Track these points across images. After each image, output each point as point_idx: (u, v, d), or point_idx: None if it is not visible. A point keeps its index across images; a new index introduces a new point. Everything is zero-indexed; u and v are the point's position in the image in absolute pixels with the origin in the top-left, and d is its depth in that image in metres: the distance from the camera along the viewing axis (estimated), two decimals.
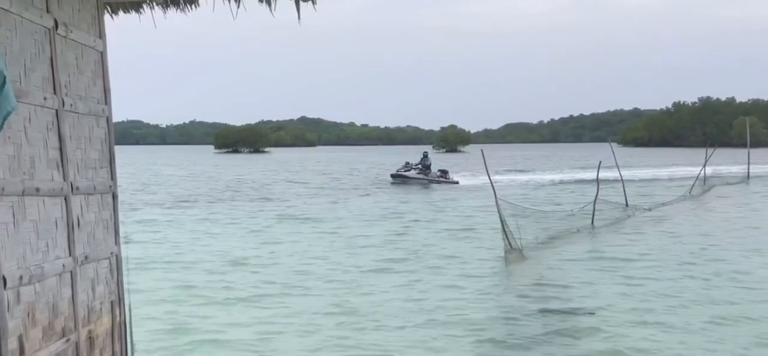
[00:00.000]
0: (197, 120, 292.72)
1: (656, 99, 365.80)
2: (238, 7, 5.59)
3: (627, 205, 24.35)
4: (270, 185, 40.08)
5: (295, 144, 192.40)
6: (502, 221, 15.69)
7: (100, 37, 5.45)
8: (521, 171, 52.65)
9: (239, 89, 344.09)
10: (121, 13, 5.89)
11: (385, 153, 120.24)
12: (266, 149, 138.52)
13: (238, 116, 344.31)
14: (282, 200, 31.17)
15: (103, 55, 5.50)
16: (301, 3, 5.48)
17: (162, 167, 61.35)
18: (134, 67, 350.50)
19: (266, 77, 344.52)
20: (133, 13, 5.89)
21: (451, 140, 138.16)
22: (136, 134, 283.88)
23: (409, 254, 16.46)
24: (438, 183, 38.42)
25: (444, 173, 40.32)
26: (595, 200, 20.06)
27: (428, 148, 64.08)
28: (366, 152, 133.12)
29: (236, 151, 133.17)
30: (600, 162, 21.27)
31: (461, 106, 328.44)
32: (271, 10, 5.45)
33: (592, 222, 19.69)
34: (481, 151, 16.65)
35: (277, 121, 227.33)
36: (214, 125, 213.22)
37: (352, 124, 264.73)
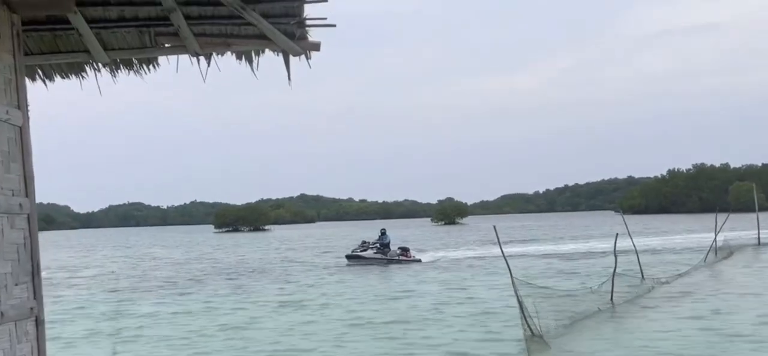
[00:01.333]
0: (198, 200, 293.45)
1: (650, 167, 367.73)
2: (208, 66, 5.02)
3: (643, 277, 23.13)
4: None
5: (295, 221, 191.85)
6: (521, 303, 14.46)
7: (18, 107, 4.37)
8: (523, 242, 51.08)
9: (239, 168, 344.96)
10: (58, 78, 5.11)
11: (377, 228, 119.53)
12: (266, 227, 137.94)
13: (239, 195, 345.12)
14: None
15: (22, 132, 4.42)
16: (294, 61, 5.00)
17: (153, 250, 60.06)
18: (132, 149, 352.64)
19: (266, 156, 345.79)
20: (74, 78, 5.01)
21: (449, 212, 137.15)
22: (137, 216, 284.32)
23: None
24: (398, 263, 34.97)
25: (405, 251, 36.63)
26: (613, 275, 18.83)
27: (425, 221, 62.71)
28: (362, 226, 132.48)
29: (236, 230, 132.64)
30: (617, 234, 20.01)
31: (457, 178, 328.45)
32: (252, 69, 4.83)
33: (612, 299, 18.44)
34: (494, 226, 15.37)
35: (277, 199, 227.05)
36: (215, 205, 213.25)
37: (350, 199, 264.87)
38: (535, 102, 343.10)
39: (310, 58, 4.97)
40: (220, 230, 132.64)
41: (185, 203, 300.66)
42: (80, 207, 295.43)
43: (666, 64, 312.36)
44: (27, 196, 4.37)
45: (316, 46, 4.91)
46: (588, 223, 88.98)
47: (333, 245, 57.25)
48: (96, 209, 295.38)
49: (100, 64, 5.16)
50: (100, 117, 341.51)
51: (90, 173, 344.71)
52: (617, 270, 19.06)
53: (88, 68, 5.21)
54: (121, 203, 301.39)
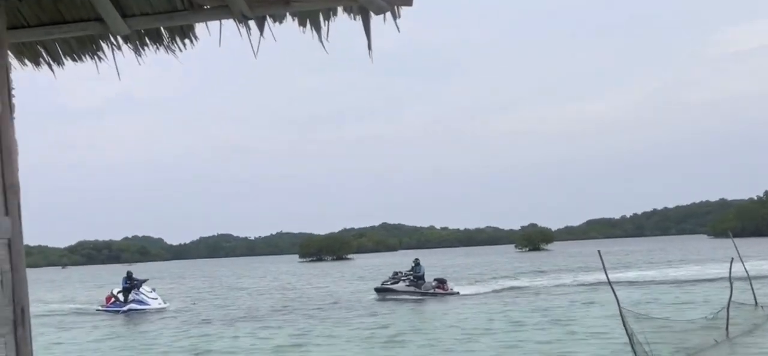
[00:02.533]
0: (284, 231, 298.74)
1: (744, 189, 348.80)
2: (262, 35, 3.89)
3: (756, 304, 21.49)
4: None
5: (377, 250, 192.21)
6: (630, 336, 13.48)
7: None
8: (617, 269, 48.63)
9: (323, 199, 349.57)
10: (69, 60, 4.14)
11: (461, 255, 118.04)
12: (349, 256, 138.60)
13: (323, 225, 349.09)
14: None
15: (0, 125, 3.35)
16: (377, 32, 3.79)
17: (239, 280, 60.83)
18: (220, 183, 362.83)
19: (349, 187, 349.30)
20: (88, 60, 4.08)
21: (534, 238, 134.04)
22: (225, 247, 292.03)
23: None
24: (433, 295, 31.67)
25: (441, 282, 33.07)
26: (728, 305, 17.39)
27: (509, 248, 60.60)
28: (444, 254, 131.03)
29: (320, 259, 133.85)
30: (732, 259, 18.55)
31: (540, 204, 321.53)
32: (321, 39, 3.83)
33: (727, 330, 17.05)
34: (598, 252, 14.43)
35: (360, 228, 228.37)
36: (300, 235, 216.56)
37: (431, 227, 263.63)
38: (621, 126, 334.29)
39: (398, 16, 3.74)
40: (305, 260, 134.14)
41: (272, 234, 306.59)
42: (173, 239, 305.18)
43: (759, 82, 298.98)
44: (6, 214, 3.14)
45: (408, 0, 3.69)
46: (683, 248, 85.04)
47: None
48: (187, 241, 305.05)
49: (118, 38, 4.03)
50: (188, 154, 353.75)
51: (181, 206, 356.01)
52: (733, 300, 17.63)
53: (104, 44, 4.09)
54: (211, 234, 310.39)
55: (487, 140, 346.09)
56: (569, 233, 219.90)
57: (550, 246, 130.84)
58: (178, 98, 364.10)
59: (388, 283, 32.84)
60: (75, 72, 4.18)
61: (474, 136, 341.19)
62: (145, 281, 33.66)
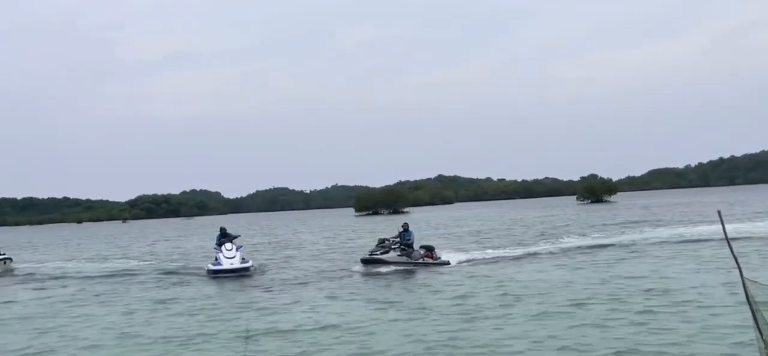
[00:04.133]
0: (339, 184, 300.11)
1: None
2: None
3: None
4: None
5: (433, 202, 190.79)
6: (754, 311, 10.88)
7: None
8: (697, 223, 44.55)
9: (379, 152, 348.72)
10: None
11: (520, 207, 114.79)
12: (405, 209, 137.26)
13: (378, 178, 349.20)
14: None
15: None
16: None
17: (300, 235, 59.46)
18: (277, 136, 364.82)
19: (404, 139, 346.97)
20: None
21: (596, 189, 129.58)
22: (281, 200, 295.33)
23: None
24: (425, 265, 26.86)
25: (429, 250, 28.11)
26: None
27: (569, 199, 55.85)
28: (501, 206, 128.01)
29: (376, 213, 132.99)
30: None
31: (601, 153, 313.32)
32: None
33: None
34: (718, 212, 11.76)
35: (415, 181, 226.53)
36: (355, 188, 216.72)
37: (488, 179, 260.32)
38: (686, 71, 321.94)
39: None
40: (360, 214, 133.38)
41: (327, 187, 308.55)
42: (230, 193, 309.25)
43: None
44: None
45: None
46: (765, 199, 79.69)
47: (475, 229, 54.20)
48: (244, 195, 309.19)
49: None
50: (251, 111, 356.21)
51: (239, 160, 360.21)
52: None
53: None
54: (267, 188, 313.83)
55: (545, 87, 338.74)
56: (631, 184, 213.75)
57: (613, 198, 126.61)
58: (234, 53, 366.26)
59: (378, 253, 27.24)
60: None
61: (531, 83, 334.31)
62: (236, 237, 29.38)
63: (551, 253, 30.00)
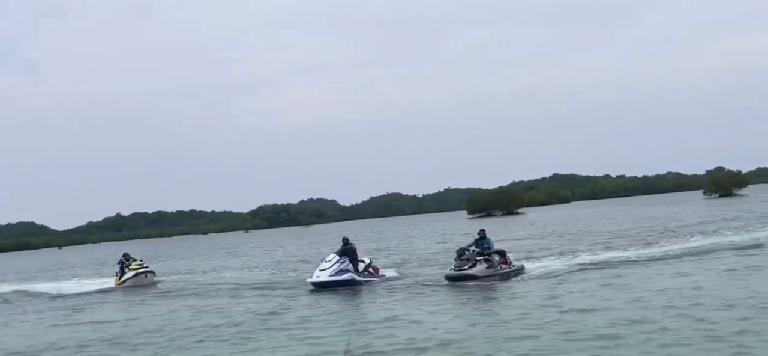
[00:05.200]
0: (451, 187, 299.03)
1: None
2: None
3: None
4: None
5: (548, 202, 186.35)
6: None
7: None
8: None
9: (491, 152, 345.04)
10: None
11: (642, 204, 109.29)
12: (519, 210, 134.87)
13: (491, 179, 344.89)
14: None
15: None
16: None
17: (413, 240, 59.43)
18: (389, 142, 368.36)
19: (517, 138, 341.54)
20: None
21: (725, 182, 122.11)
22: (395, 206, 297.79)
23: None
24: (507, 274, 23.64)
25: (502, 255, 24.58)
26: None
27: (696, 194, 48.46)
28: (621, 204, 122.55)
29: (489, 214, 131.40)
30: None
31: (727, 144, 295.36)
32: None
33: None
34: None
35: (530, 180, 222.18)
36: (468, 191, 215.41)
37: (606, 176, 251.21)
38: None
39: None
40: (473, 216, 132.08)
41: (440, 191, 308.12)
42: (345, 200, 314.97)
43: None
44: None
45: None
46: None
47: (597, 229, 52.07)
48: (359, 202, 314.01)
49: None
50: (364, 118, 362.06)
51: (353, 168, 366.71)
52: None
53: None
54: (381, 194, 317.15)
55: (666, 79, 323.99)
56: (761, 176, 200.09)
57: (743, 191, 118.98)
58: (345, 63, 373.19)
59: (465, 267, 23.14)
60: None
61: (652, 75, 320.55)
62: (348, 247, 25.91)
63: (684, 254, 26.64)
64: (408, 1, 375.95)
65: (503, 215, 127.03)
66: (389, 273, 27.68)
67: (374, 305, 20.16)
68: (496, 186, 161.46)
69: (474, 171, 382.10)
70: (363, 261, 26.60)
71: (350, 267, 25.29)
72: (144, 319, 20.48)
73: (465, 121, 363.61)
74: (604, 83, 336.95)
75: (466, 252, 23.81)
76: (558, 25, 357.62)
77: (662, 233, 38.91)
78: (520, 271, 24.69)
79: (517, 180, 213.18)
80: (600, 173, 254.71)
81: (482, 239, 24.50)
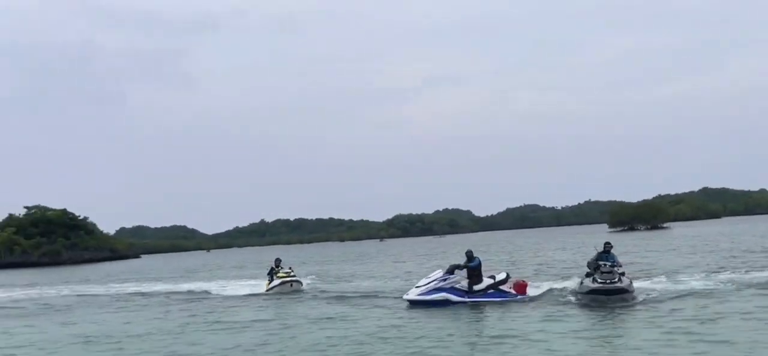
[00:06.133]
0: (592, 200, 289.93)
1: None
2: None
3: None
4: None
5: (697, 217, 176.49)
6: None
7: None
8: None
9: (634, 164, 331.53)
10: None
11: None
12: (664, 225, 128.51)
13: (634, 192, 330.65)
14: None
15: None
16: None
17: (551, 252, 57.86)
18: (527, 153, 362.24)
19: (662, 149, 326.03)
20: None
21: None
22: (532, 217, 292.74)
23: None
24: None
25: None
26: None
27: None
28: None
29: (632, 228, 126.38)
30: None
31: None
32: None
33: None
34: None
35: (676, 194, 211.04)
36: (609, 203, 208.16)
37: (762, 191, 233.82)
38: None
39: None
40: (615, 230, 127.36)
41: (579, 203, 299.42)
42: (480, 211, 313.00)
43: None
44: None
45: None
46: None
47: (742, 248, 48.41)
48: (495, 213, 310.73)
49: None
50: (501, 129, 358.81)
51: (489, 178, 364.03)
52: None
53: None
54: (518, 205, 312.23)
55: None
56: None
57: None
58: (482, 74, 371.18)
59: (615, 281, 20.72)
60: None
61: None
62: (470, 264, 23.58)
63: None
64: (549, 11, 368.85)
65: (647, 229, 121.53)
66: (533, 289, 24.34)
67: (482, 323, 18.72)
68: (640, 199, 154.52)
69: (616, 183, 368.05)
70: (493, 277, 23.82)
71: (455, 284, 23.10)
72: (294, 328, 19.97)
73: (606, 131, 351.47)
74: (760, 89, 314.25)
75: (602, 265, 21.44)
76: (706, 31, 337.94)
77: None
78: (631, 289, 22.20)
79: (662, 193, 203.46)
80: (755, 187, 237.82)
81: (607, 253, 22.46)
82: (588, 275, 21.92)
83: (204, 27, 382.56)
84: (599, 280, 20.78)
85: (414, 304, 22.87)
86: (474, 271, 23.38)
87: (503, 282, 23.70)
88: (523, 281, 24.42)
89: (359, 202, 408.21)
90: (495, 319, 19.24)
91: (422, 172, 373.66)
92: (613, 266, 21.51)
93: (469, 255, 23.72)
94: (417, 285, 23.87)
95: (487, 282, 23.53)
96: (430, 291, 23.01)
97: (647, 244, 59.27)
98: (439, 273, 23.73)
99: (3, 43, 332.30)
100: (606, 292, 20.35)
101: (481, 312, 20.83)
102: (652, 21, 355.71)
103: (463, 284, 23.26)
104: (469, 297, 22.87)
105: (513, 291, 23.42)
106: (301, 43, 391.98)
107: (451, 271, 23.48)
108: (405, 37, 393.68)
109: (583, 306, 20.49)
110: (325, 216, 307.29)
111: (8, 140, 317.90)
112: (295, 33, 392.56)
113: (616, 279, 20.75)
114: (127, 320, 24.09)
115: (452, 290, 23.08)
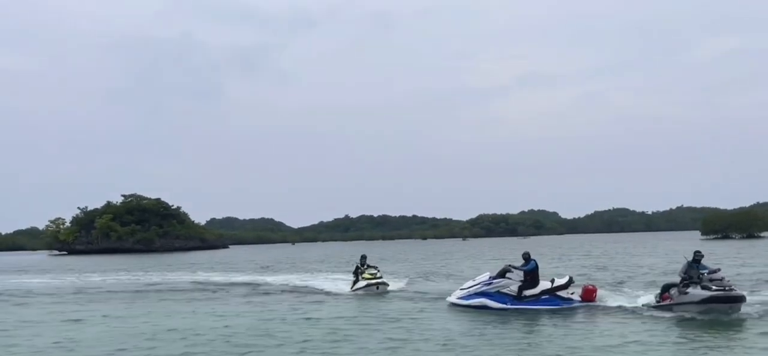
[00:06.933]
0: (684, 205, 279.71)
1: None
2: None
3: None
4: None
5: None
6: None
7: None
8: None
9: (731, 170, 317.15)
10: None
11: None
12: (762, 234, 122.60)
13: (729, 199, 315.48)
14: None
15: None
16: None
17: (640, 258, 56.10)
18: (618, 155, 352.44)
19: (763, 156, 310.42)
20: None
21: None
22: (621, 221, 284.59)
23: None
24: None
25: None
26: None
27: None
28: None
29: (726, 236, 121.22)
30: None
31: None
32: None
33: None
34: None
35: None
36: (703, 210, 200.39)
37: None
38: None
39: None
40: (708, 237, 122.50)
41: (671, 209, 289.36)
42: (567, 213, 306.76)
43: None
44: None
45: None
46: None
47: None
48: (582, 215, 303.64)
49: None
50: (593, 131, 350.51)
51: (578, 180, 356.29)
52: None
53: None
54: (606, 208, 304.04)
55: None
56: None
57: None
58: (576, 74, 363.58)
59: (730, 288, 18.60)
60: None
61: None
62: (525, 267, 22.09)
63: None
64: (647, 11, 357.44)
65: (742, 238, 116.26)
66: (612, 298, 22.58)
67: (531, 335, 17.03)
68: (736, 207, 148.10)
69: (711, 189, 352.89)
70: (552, 281, 22.04)
71: (502, 288, 21.69)
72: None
73: (703, 135, 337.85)
74: None
75: (707, 273, 19.26)
76: None
77: None
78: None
79: (761, 201, 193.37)
80: None
81: (697, 263, 19.89)
82: (685, 284, 19.67)
83: (300, 24, 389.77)
84: (714, 287, 18.49)
85: (453, 307, 22.00)
86: (529, 274, 21.77)
87: (563, 287, 21.72)
88: (593, 286, 22.53)
89: (443, 201, 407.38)
90: (526, 331, 17.48)
91: (509, 172, 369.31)
92: (711, 273, 19.44)
93: (526, 257, 22.19)
94: (461, 288, 22.97)
95: (543, 286, 21.71)
96: (470, 295, 21.91)
97: (742, 253, 56.66)
98: (485, 276, 22.54)
99: (114, 37, 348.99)
100: (727, 300, 18.29)
101: (517, 321, 19.13)
102: (755, 22, 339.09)
103: (512, 288, 21.68)
104: (513, 304, 21.18)
105: (576, 298, 21.53)
106: (395, 41, 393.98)
107: (502, 274, 22.13)
108: (502, 35, 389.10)
109: (680, 321, 18.37)
110: (409, 214, 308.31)
111: (109, 129, 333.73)
112: (391, 30, 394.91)
113: (732, 287, 18.81)
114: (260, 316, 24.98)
115: (496, 295, 21.65)
